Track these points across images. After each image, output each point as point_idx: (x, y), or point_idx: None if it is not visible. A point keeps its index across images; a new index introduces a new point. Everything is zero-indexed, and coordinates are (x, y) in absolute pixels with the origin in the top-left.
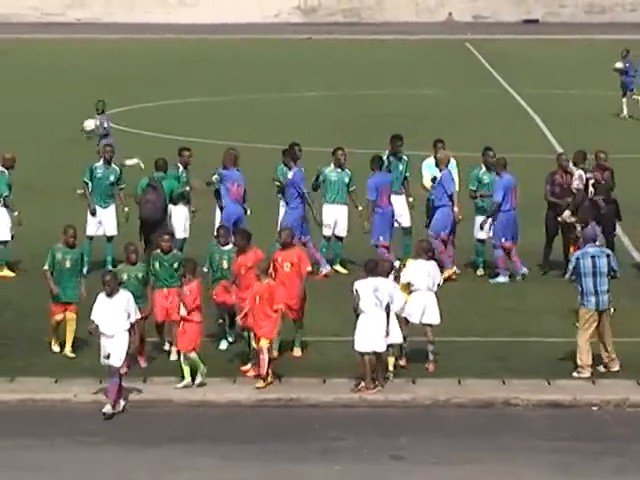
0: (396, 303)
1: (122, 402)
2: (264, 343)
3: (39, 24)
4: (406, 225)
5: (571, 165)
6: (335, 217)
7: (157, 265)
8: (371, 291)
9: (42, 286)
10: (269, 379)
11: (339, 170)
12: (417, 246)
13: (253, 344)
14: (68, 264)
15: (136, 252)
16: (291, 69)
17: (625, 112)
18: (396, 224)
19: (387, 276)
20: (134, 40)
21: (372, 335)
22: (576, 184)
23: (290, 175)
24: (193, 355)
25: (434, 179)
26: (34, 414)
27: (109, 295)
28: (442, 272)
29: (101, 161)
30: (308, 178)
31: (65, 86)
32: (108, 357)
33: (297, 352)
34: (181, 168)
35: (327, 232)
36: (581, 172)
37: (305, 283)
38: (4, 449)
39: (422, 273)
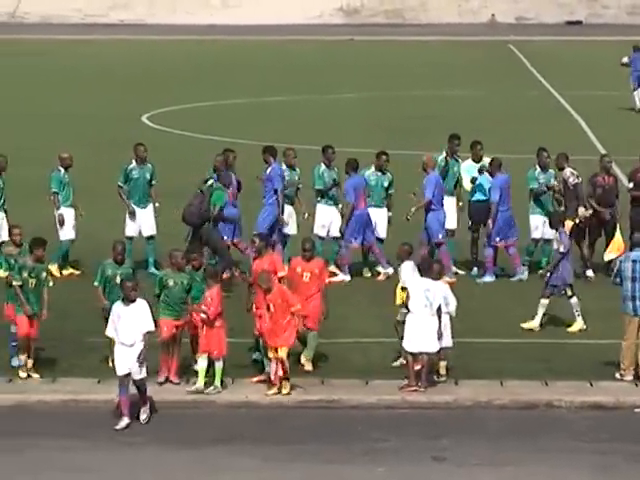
0: (451, 305)
1: (147, 410)
2: (283, 352)
3: (82, 25)
4: (451, 227)
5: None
6: (375, 219)
7: (171, 283)
8: (422, 291)
9: (84, 287)
10: (285, 388)
11: (379, 173)
12: (399, 249)
13: (269, 354)
14: (118, 280)
15: (183, 258)
16: (333, 70)
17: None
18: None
19: (440, 278)
20: (176, 41)
21: (420, 336)
22: (572, 180)
23: (268, 170)
24: (220, 364)
25: (473, 180)
26: (76, 415)
27: (129, 302)
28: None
29: (134, 162)
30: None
31: (107, 87)
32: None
33: (308, 366)
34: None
35: (323, 233)
36: (572, 170)
37: (324, 294)
38: (46, 450)
39: (411, 273)
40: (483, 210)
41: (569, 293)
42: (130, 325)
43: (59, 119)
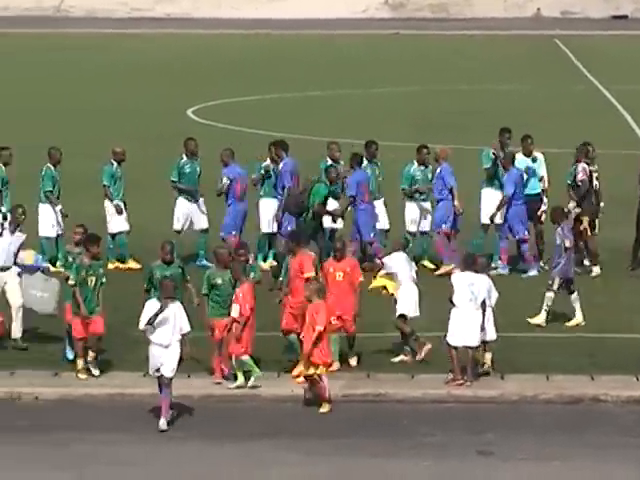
0: (493, 298)
1: (168, 417)
2: (321, 370)
3: (127, 19)
4: (498, 222)
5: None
6: (421, 214)
7: (219, 281)
8: (466, 285)
9: (133, 281)
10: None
11: (423, 167)
12: (394, 242)
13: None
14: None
15: (231, 254)
16: (378, 65)
17: None
18: (488, 220)
19: (484, 271)
20: (221, 35)
21: (464, 329)
22: (580, 176)
23: (280, 166)
24: (245, 358)
25: (526, 170)
26: (122, 409)
27: (167, 301)
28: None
29: (184, 157)
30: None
31: (152, 82)
32: (158, 370)
33: (353, 361)
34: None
35: (412, 228)
36: (584, 165)
37: (358, 294)
38: (92, 443)
39: (403, 264)
40: (534, 204)
41: (572, 289)
42: (167, 326)
43: (104, 114)
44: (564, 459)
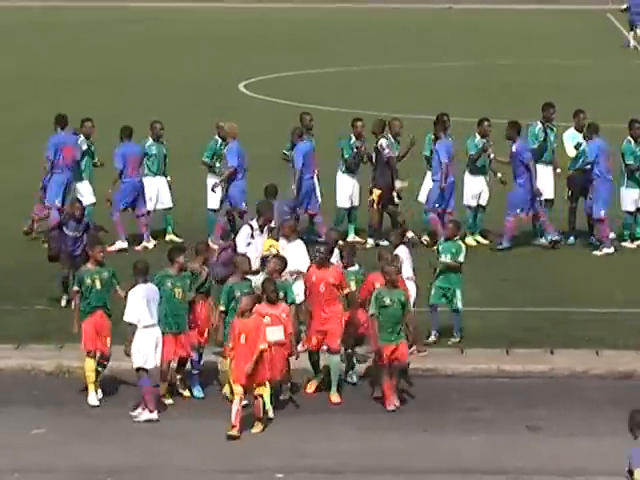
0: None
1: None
2: (260, 390)
3: None
4: (549, 197)
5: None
6: (481, 188)
7: (238, 294)
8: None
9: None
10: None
11: (485, 141)
12: (395, 235)
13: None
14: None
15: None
16: (430, 39)
17: (632, 43)
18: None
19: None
20: (272, 10)
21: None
22: (387, 152)
23: (302, 146)
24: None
25: (578, 146)
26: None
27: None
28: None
29: (150, 139)
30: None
31: (204, 55)
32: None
33: (335, 398)
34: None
35: (472, 202)
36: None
37: (344, 305)
38: None
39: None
40: (584, 180)
41: None
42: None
43: (154, 86)
44: (615, 435)
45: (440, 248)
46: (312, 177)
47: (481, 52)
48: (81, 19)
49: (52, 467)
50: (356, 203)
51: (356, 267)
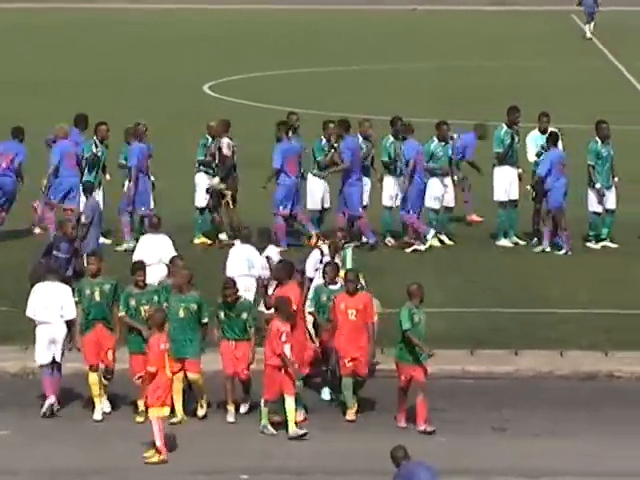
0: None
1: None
2: (152, 413)
3: None
4: (513, 197)
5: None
6: (445, 189)
7: (222, 315)
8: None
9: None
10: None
11: (443, 143)
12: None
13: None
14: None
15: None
16: (395, 41)
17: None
18: (507, 197)
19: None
20: (236, 11)
21: None
22: (225, 151)
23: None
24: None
25: (542, 148)
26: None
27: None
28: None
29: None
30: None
31: (168, 57)
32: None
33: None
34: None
35: (437, 205)
36: (228, 141)
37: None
38: None
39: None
40: None
41: None
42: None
43: (114, 87)
44: (578, 435)
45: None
46: (297, 177)
47: (445, 53)
48: (61, 21)
49: (15, 469)
50: (327, 205)
51: (338, 285)
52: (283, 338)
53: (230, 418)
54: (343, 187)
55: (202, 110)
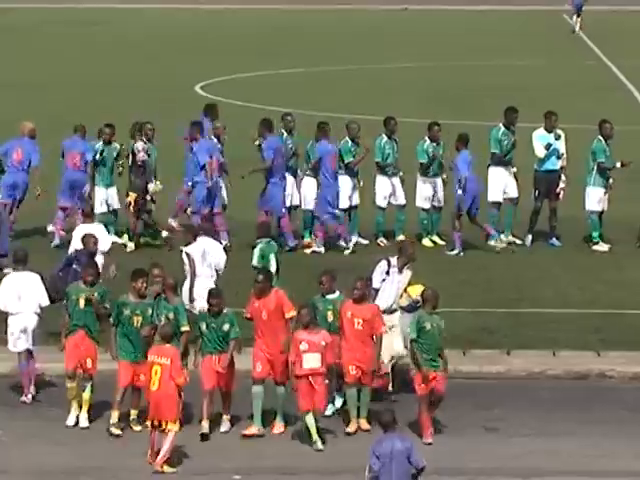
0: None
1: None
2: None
3: None
4: (512, 196)
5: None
6: (435, 190)
7: (204, 327)
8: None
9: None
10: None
11: (434, 144)
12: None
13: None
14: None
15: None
16: (387, 40)
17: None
18: (505, 195)
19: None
20: (226, 10)
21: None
22: (141, 156)
23: (263, 144)
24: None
25: (548, 146)
26: None
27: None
28: None
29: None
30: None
31: (159, 57)
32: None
33: (364, 423)
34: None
35: (427, 205)
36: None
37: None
38: None
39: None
40: (552, 180)
41: None
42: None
43: (111, 89)
44: (570, 435)
45: None
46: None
47: (437, 53)
48: (32, 20)
49: (5, 469)
50: (355, 203)
51: (336, 294)
52: (302, 347)
53: (204, 430)
54: (266, 186)
55: (195, 110)
